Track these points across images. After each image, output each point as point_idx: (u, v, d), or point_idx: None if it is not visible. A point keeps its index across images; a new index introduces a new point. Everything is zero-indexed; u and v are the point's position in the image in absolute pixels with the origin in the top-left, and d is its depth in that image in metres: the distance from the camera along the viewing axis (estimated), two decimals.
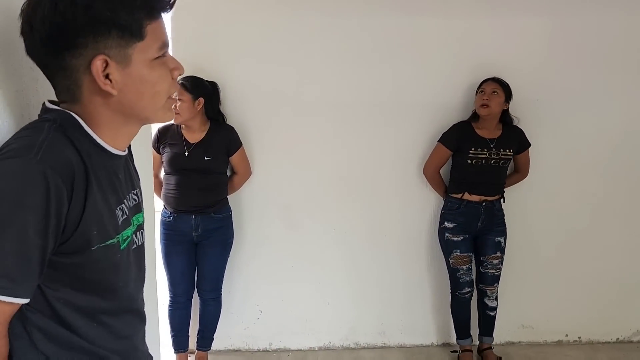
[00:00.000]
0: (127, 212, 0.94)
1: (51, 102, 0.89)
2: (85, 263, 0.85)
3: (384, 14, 2.80)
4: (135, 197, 1.00)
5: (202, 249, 2.69)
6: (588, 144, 2.96)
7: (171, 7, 0.88)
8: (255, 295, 3.02)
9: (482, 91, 2.67)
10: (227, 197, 2.76)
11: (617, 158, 2.98)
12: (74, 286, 0.86)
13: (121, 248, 0.91)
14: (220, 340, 2.93)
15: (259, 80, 2.83)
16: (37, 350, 0.85)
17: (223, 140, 2.66)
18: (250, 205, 2.93)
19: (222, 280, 2.79)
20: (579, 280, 3.06)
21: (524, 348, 3.08)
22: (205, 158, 2.58)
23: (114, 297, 0.93)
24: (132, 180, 1.00)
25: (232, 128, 2.72)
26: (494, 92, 2.63)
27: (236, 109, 2.82)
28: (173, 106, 0.96)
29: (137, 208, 1.00)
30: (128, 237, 0.94)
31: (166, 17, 0.91)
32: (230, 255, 2.79)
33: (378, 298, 3.05)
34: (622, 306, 3.10)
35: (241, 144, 2.73)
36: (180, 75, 0.93)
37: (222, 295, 2.79)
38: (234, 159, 2.72)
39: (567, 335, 3.14)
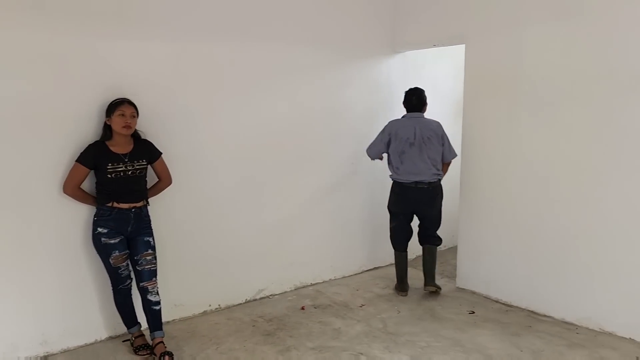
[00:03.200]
0: None
1: None
2: None
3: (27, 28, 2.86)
4: None
5: None
6: (211, 146, 3.71)
7: None
8: None
9: (122, 114, 3.00)
10: None
11: (236, 156, 3.84)
12: None
13: None
14: None
15: None
16: None
17: None
18: None
19: None
20: (215, 258, 3.80)
21: (177, 324, 3.61)
22: None
23: None
24: None
25: None
26: (133, 115, 3.05)
27: None
28: None
29: None
30: None
31: None
32: None
33: (37, 309, 3.06)
34: (246, 274, 4.00)
35: None
36: None
37: None
38: None
39: (210, 305, 3.84)
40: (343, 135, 4.50)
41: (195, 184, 3.63)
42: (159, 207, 3.35)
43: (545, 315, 3.73)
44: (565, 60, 3.52)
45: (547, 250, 3.71)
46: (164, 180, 3.34)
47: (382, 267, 4.90)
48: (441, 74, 5.17)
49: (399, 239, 4.25)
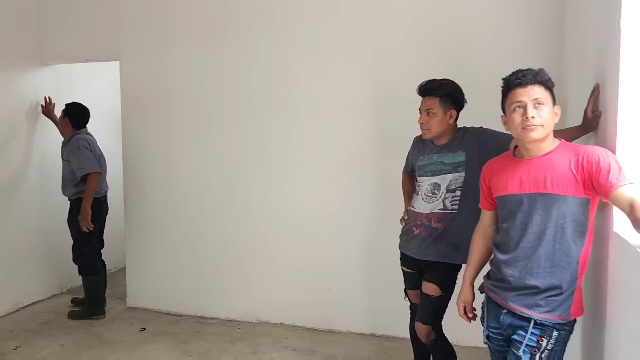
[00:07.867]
0: None
1: None
2: None
3: None
4: None
5: None
6: None
7: None
8: None
9: None
10: None
11: None
12: None
13: None
14: None
15: None
16: None
17: None
18: None
19: None
20: None
21: None
22: None
23: None
24: None
25: None
26: None
27: None
28: None
29: None
30: None
31: None
32: None
33: None
34: None
35: None
36: None
37: None
38: None
39: None
40: None
41: None
42: None
43: (212, 318, 3.99)
44: (211, 81, 3.86)
45: (211, 258, 3.98)
46: None
47: (42, 300, 4.40)
48: (99, 89, 4.98)
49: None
